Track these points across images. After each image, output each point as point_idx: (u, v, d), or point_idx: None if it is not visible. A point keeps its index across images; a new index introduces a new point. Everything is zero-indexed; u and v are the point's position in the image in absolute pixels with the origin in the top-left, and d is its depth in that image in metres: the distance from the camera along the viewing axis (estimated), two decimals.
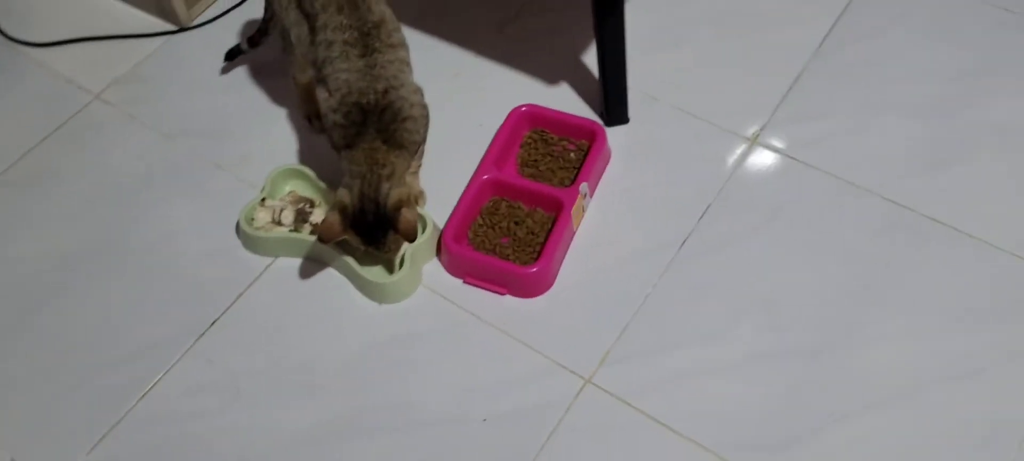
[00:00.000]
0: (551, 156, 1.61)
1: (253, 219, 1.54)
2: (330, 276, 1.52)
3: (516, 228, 1.52)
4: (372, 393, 1.38)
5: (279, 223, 1.54)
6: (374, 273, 1.48)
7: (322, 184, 1.57)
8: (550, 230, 1.51)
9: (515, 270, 1.46)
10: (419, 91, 1.45)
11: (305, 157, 1.67)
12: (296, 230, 1.53)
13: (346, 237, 1.41)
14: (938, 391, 1.32)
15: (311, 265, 1.53)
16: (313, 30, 1.44)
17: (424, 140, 1.47)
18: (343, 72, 1.39)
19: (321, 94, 1.44)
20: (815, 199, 1.54)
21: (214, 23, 1.89)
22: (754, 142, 1.62)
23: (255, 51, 1.77)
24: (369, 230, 1.39)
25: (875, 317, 1.40)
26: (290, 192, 1.59)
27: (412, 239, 1.39)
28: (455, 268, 1.50)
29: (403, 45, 1.45)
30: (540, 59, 1.78)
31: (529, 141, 1.63)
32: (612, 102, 1.65)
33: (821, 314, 1.41)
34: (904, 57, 1.72)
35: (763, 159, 1.60)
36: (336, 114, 1.40)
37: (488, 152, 1.58)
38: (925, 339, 1.37)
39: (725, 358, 1.38)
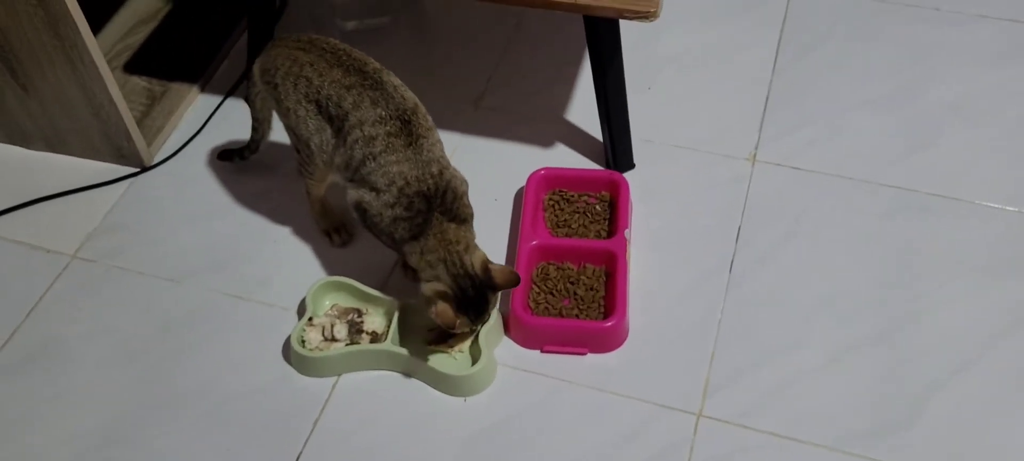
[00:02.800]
0: (579, 213, 1.63)
1: (305, 341, 1.44)
2: (402, 382, 1.45)
3: (574, 287, 1.52)
4: None
5: (333, 339, 1.45)
6: (453, 366, 1.43)
7: (366, 289, 1.49)
8: (607, 282, 1.52)
9: (595, 327, 1.46)
10: (456, 168, 1.44)
11: (328, 264, 1.58)
12: (353, 342, 1.45)
13: (458, 323, 1.35)
14: (1011, 338, 1.44)
15: (379, 376, 1.45)
16: (341, 132, 1.39)
17: None
18: (393, 165, 1.35)
19: (364, 195, 1.38)
20: (826, 199, 1.65)
21: (176, 157, 1.76)
22: (754, 161, 1.72)
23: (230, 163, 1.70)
24: (474, 305, 1.35)
25: (922, 290, 1.51)
26: (333, 306, 1.50)
27: (518, 282, 1.36)
28: (531, 340, 1.47)
29: (435, 127, 1.43)
30: (524, 124, 1.80)
31: (551, 203, 1.64)
32: (619, 150, 1.69)
33: (877, 299, 1.51)
34: (847, 61, 1.89)
35: (768, 174, 1.70)
36: (395, 209, 1.35)
37: (523, 220, 1.57)
38: (972, 298, 1.50)
39: (814, 359, 1.44)
